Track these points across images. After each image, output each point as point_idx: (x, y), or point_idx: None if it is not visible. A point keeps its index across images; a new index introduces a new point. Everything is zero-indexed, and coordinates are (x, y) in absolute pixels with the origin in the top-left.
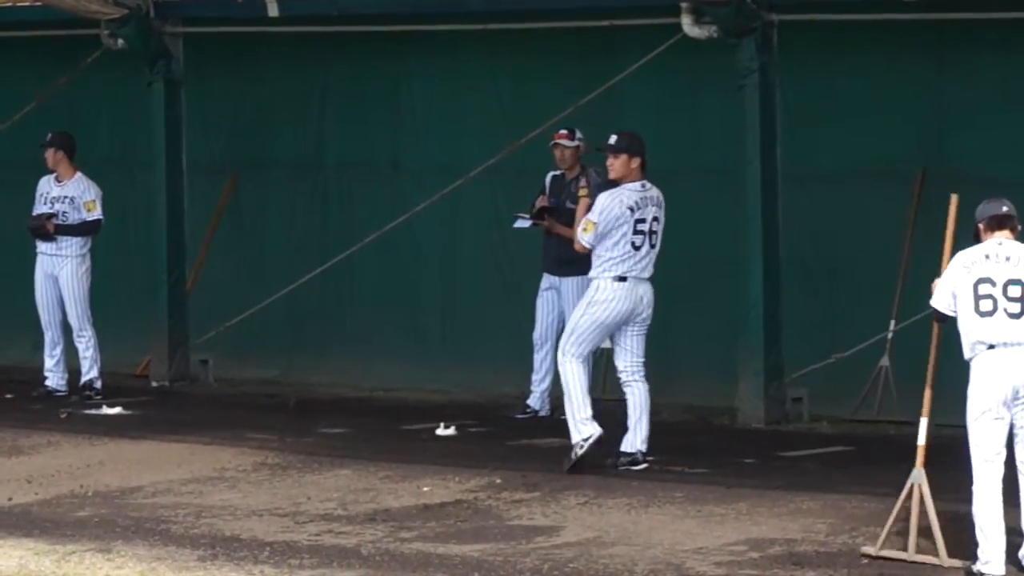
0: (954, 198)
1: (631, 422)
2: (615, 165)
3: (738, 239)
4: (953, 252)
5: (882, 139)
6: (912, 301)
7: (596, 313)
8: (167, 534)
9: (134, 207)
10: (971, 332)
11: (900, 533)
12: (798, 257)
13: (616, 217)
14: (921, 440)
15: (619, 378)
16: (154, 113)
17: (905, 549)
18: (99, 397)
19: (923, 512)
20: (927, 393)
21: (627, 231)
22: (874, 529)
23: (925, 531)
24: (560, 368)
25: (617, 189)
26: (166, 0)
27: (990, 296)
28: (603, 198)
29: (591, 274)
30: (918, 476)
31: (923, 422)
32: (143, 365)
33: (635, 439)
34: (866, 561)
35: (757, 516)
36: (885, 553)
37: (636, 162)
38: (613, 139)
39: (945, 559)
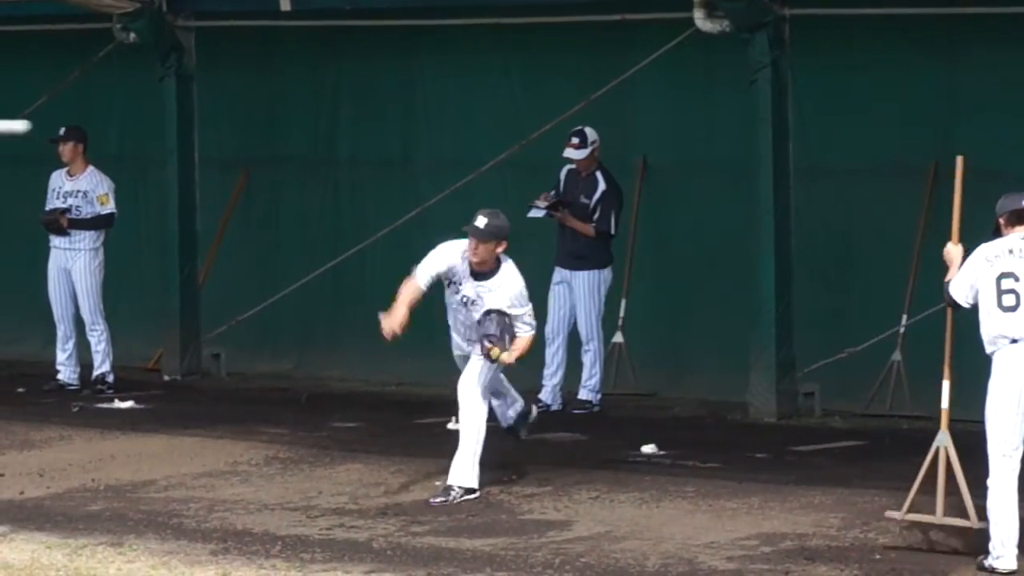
0: (960, 160)
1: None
2: (480, 251)
3: (750, 233)
4: (962, 222)
5: (894, 133)
6: (924, 296)
7: None
8: (179, 528)
9: (146, 201)
10: (993, 326)
11: (922, 512)
12: (810, 251)
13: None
14: (944, 404)
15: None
16: (166, 107)
17: (932, 512)
18: (111, 391)
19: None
20: (947, 354)
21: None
22: (886, 524)
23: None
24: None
25: (509, 270)
26: None
27: (1013, 291)
28: (516, 283)
29: None
30: (943, 439)
31: (945, 385)
32: (155, 359)
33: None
34: (878, 556)
35: (769, 511)
36: (912, 517)
37: (503, 246)
38: (482, 221)
39: (975, 521)
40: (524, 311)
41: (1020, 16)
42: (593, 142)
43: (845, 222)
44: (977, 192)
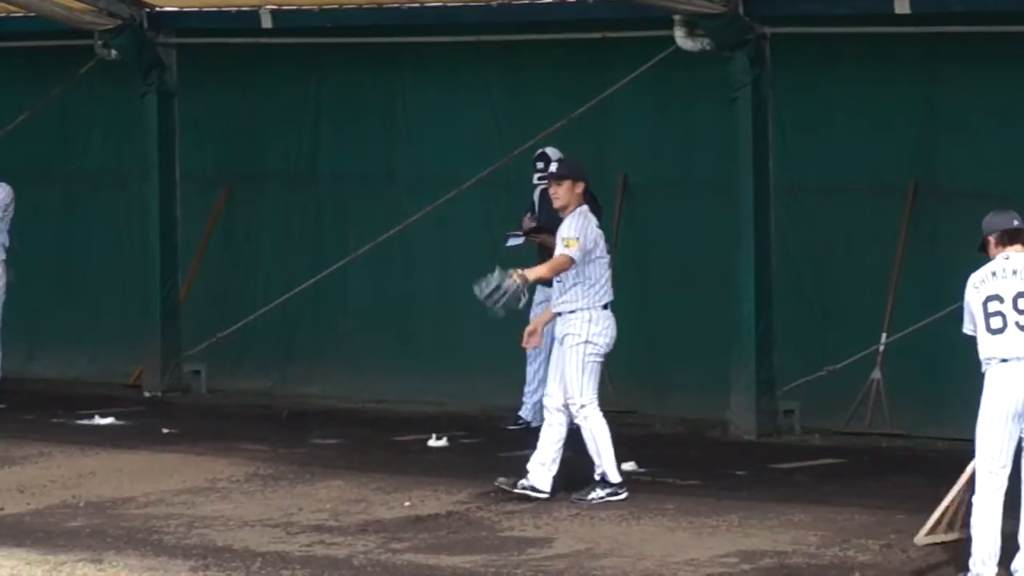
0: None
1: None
2: (559, 192)
3: (730, 251)
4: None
5: (874, 152)
6: (903, 314)
7: (599, 348)
8: (159, 544)
9: (127, 218)
10: (984, 348)
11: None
12: (790, 270)
13: (595, 238)
14: None
15: (566, 411)
16: (147, 124)
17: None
18: None
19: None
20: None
21: (604, 253)
22: (865, 541)
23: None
24: (589, 422)
25: (584, 211)
26: (160, 11)
27: (999, 313)
28: (578, 218)
29: (577, 305)
30: None
31: None
32: (136, 375)
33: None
34: (857, 574)
35: (748, 528)
36: (934, 539)
37: (580, 187)
38: (554, 166)
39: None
40: (574, 230)
41: (999, 35)
42: (558, 159)
43: (825, 240)
44: (956, 210)
